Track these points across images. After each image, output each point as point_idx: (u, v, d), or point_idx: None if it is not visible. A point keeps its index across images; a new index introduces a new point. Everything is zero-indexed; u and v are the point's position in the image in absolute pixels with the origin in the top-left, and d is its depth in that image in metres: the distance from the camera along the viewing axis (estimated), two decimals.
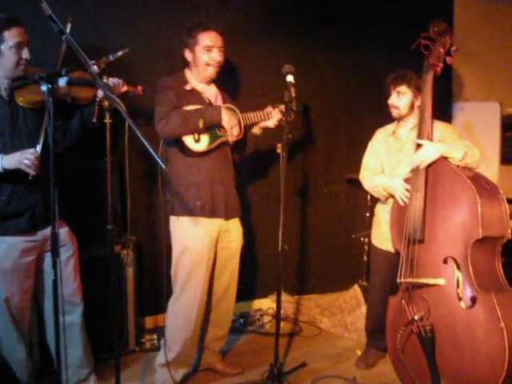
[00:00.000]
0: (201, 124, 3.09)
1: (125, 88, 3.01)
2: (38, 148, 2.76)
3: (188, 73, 3.33)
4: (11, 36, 2.70)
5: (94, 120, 2.65)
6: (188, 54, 3.27)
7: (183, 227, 3.26)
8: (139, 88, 3.15)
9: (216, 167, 3.27)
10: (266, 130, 3.47)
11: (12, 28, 2.70)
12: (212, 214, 3.25)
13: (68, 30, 2.94)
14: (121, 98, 2.54)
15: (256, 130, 3.48)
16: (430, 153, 3.07)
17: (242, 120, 3.31)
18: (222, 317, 3.55)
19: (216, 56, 3.24)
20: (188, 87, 3.28)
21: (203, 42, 3.21)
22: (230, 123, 3.21)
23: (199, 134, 3.16)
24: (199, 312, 3.31)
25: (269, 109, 3.40)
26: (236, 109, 3.32)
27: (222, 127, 3.24)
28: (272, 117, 3.37)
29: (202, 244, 3.24)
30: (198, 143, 3.17)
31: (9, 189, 2.83)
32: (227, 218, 3.32)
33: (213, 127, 3.20)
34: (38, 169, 2.73)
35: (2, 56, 2.73)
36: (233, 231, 3.41)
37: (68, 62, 2.83)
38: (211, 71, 3.27)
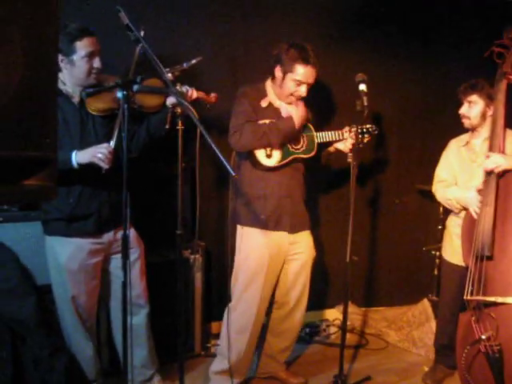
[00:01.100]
0: (274, 137, 3.12)
1: (195, 95, 2.99)
2: (112, 143, 2.79)
3: (269, 85, 3.31)
4: (83, 46, 2.78)
5: (167, 126, 2.71)
6: (278, 72, 3.21)
7: (246, 237, 3.29)
8: (212, 95, 3.12)
9: (285, 181, 3.27)
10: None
11: (84, 38, 2.78)
12: (276, 227, 3.27)
13: (142, 34, 3.00)
14: (193, 105, 2.58)
15: (332, 149, 3.45)
16: (503, 160, 2.98)
17: (315, 138, 3.30)
18: (290, 330, 3.54)
19: (303, 92, 3.20)
20: (264, 103, 3.26)
21: (298, 74, 3.14)
22: (300, 118, 3.21)
23: (272, 149, 3.17)
24: (256, 323, 3.31)
25: (346, 129, 3.34)
26: (311, 126, 3.33)
27: (296, 143, 3.24)
28: (346, 138, 3.32)
29: (262, 255, 3.25)
30: (269, 158, 3.19)
31: (77, 192, 2.91)
32: (292, 231, 3.32)
33: (287, 142, 3.21)
34: (112, 163, 2.77)
35: (73, 65, 2.82)
36: (301, 243, 3.39)
37: (140, 69, 2.89)
38: (291, 100, 3.25)
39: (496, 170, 3.01)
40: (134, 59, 3.03)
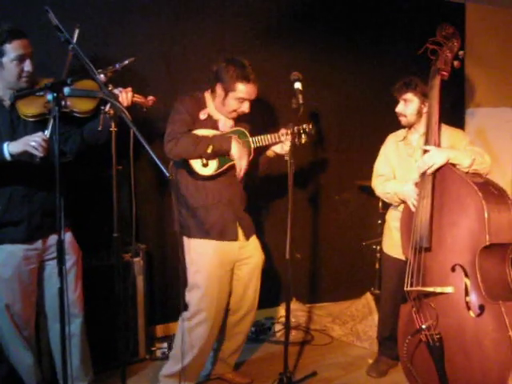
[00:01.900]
0: (209, 150, 3.08)
1: (129, 97, 2.92)
2: (46, 132, 2.70)
3: (208, 97, 3.28)
4: (13, 49, 2.71)
5: (100, 128, 2.66)
6: (219, 90, 3.18)
7: (194, 249, 3.26)
8: (149, 98, 3.07)
9: (224, 190, 3.25)
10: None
11: (14, 40, 2.71)
12: (221, 236, 3.24)
13: (75, 37, 2.95)
14: (129, 108, 2.54)
15: (270, 153, 3.45)
16: (437, 157, 3.05)
17: (252, 143, 3.28)
18: (244, 330, 3.53)
19: (246, 108, 3.21)
20: (203, 115, 3.24)
21: (240, 93, 3.14)
22: (239, 153, 3.17)
23: (207, 158, 3.16)
24: (212, 331, 3.30)
25: (282, 131, 3.32)
26: (246, 131, 3.30)
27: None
28: (283, 140, 3.30)
29: (212, 265, 3.23)
30: (205, 167, 3.16)
31: (5, 198, 2.85)
32: (239, 239, 3.31)
33: (221, 154, 3.20)
34: (47, 152, 2.67)
35: (3, 68, 2.75)
36: (249, 246, 3.39)
37: (74, 72, 2.84)
38: (234, 116, 3.25)
39: (429, 171, 3.07)
40: (68, 60, 2.98)
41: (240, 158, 3.17)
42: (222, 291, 3.29)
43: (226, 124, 3.26)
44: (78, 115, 2.83)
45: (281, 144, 3.34)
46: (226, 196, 3.26)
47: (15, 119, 2.84)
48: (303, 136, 3.34)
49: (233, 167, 3.25)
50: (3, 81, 2.81)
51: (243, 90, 3.15)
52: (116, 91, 2.83)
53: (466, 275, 2.87)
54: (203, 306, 3.24)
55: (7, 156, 2.69)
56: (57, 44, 2.79)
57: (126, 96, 2.88)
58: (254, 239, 3.45)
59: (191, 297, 3.27)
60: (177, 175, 3.27)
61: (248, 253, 3.38)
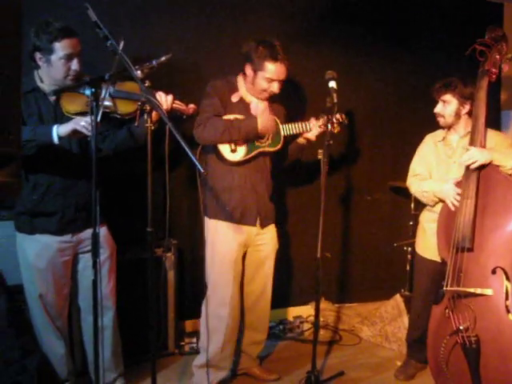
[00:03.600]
0: (237, 133, 3.13)
1: (170, 101, 2.87)
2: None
3: (241, 81, 3.32)
4: (61, 47, 2.75)
5: (136, 124, 2.69)
6: (248, 70, 3.23)
7: (213, 229, 3.32)
8: (190, 106, 2.99)
9: (249, 175, 3.30)
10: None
11: (64, 39, 2.74)
12: (241, 220, 3.30)
13: (121, 46, 2.92)
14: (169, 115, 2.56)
15: (301, 140, 3.47)
16: (480, 155, 3.03)
17: (281, 130, 3.31)
18: (257, 320, 3.57)
19: (275, 89, 3.24)
20: (235, 98, 3.28)
21: (269, 72, 3.17)
22: (265, 124, 3.18)
23: (236, 144, 3.19)
24: (232, 313, 3.34)
25: (312, 121, 3.37)
26: (277, 120, 3.33)
27: (261, 137, 3.25)
28: (312, 129, 3.35)
29: (229, 247, 3.29)
30: (234, 153, 3.20)
31: (42, 189, 2.90)
32: (257, 225, 3.35)
33: (251, 139, 3.22)
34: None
35: (51, 65, 2.79)
36: (266, 234, 3.43)
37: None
38: (264, 97, 3.27)
39: (472, 167, 3.05)
40: (115, 63, 2.97)
41: (267, 128, 3.19)
42: (238, 272, 3.34)
43: (258, 106, 3.27)
44: (118, 117, 2.84)
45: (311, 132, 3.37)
46: (250, 181, 3.30)
47: (59, 115, 2.87)
48: (335, 126, 3.32)
49: (263, 154, 3.29)
50: (50, 78, 2.85)
51: (272, 69, 3.17)
52: (158, 96, 2.80)
53: (508, 278, 2.84)
54: (220, 287, 3.30)
55: (55, 138, 2.70)
56: (101, 43, 2.81)
57: (165, 99, 2.86)
58: (271, 228, 3.48)
59: (209, 277, 3.33)
60: (206, 159, 3.32)
61: (263, 240, 3.43)
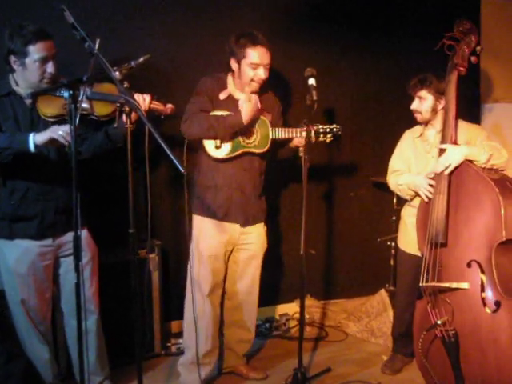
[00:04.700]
0: (221, 135, 3.14)
1: (150, 103, 2.88)
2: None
3: (230, 79, 3.33)
4: (36, 50, 2.72)
5: (115, 125, 2.67)
6: (233, 64, 3.24)
7: (198, 225, 3.34)
8: (168, 106, 2.98)
9: (236, 174, 3.29)
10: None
11: (38, 42, 2.72)
12: (225, 218, 3.31)
13: (97, 46, 2.90)
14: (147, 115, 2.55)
15: (293, 145, 3.44)
16: (453, 158, 3.05)
17: (270, 133, 3.29)
18: (246, 319, 3.57)
19: (262, 74, 3.21)
20: (223, 96, 3.28)
21: (251, 57, 3.16)
22: (249, 114, 3.15)
23: (221, 141, 3.18)
24: (213, 309, 3.37)
25: (304, 128, 3.25)
26: (268, 122, 3.31)
27: (248, 137, 3.25)
28: (303, 136, 3.25)
29: (208, 243, 3.31)
30: (218, 150, 3.20)
31: (20, 193, 2.87)
32: (243, 225, 3.36)
33: (237, 135, 3.21)
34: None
35: (25, 68, 2.76)
36: (253, 234, 3.43)
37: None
38: (254, 87, 3.25)
39: (446, 172, 3.07)
40: (91, 64, 2.95)
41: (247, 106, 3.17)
42: (219, 271, 3.37)
43: (244, 98, 3.24)
44: (95, 118, 2.82)
45: (299, 138, 3.33)
46: (236, 180, 3.30)
47: (36, 118, 2.85)
48: (328, 136, 3.37)
49: (246, 154, 3.29)
50: (25, 81, 2.82)
51: (253, 54, 3.17)
52: (136, 97, 2.78)
53: (482, 271, 2.87)
54: (201, 282, 3.32)
55: (31, 147, 2.67)
56: (78, 44, 2.79)
57: (143, 100, 2.85)
58: (258, 228, 3.47)
59: (192, 272, 3.33)
60: (193, 155, 3.34)
61: (248, 240, 3.43)
